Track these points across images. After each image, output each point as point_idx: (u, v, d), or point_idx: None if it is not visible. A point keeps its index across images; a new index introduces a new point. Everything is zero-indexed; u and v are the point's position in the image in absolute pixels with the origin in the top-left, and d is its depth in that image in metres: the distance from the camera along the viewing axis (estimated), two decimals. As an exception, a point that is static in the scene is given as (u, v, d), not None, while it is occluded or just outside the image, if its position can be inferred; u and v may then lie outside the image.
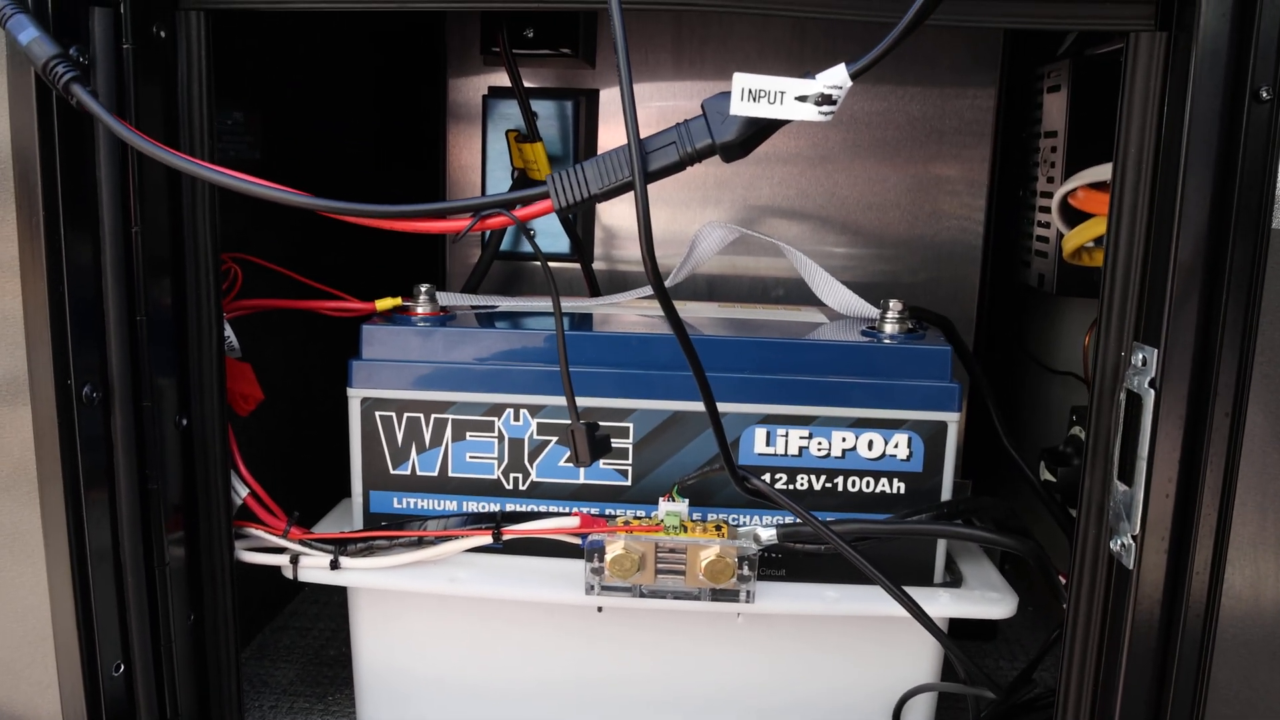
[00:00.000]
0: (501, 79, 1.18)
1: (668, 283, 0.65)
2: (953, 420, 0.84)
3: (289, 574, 0.85)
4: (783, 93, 0.59)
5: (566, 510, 0.85)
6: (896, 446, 0.84)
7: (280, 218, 0.96)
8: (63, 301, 0.69)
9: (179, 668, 0.79)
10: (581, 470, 0.86)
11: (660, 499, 0.81)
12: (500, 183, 1.21)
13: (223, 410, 0.80)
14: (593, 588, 0.80)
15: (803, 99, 0.59)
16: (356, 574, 0.85)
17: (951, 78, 1.18)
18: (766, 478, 0.84)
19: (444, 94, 1.26)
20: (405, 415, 0.86)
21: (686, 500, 0.81)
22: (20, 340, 0.69)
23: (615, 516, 0.85)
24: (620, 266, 1.27)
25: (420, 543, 0.85)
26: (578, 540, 0.83)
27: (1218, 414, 0.65)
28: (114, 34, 0.69)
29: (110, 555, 0.74)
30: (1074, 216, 0.88)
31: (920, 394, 0.83)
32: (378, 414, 0.86)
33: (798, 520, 0.79)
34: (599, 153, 0.72)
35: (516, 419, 0.85)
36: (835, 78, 0.59)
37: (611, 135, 1.23)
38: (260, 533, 0.85)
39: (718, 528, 0.81)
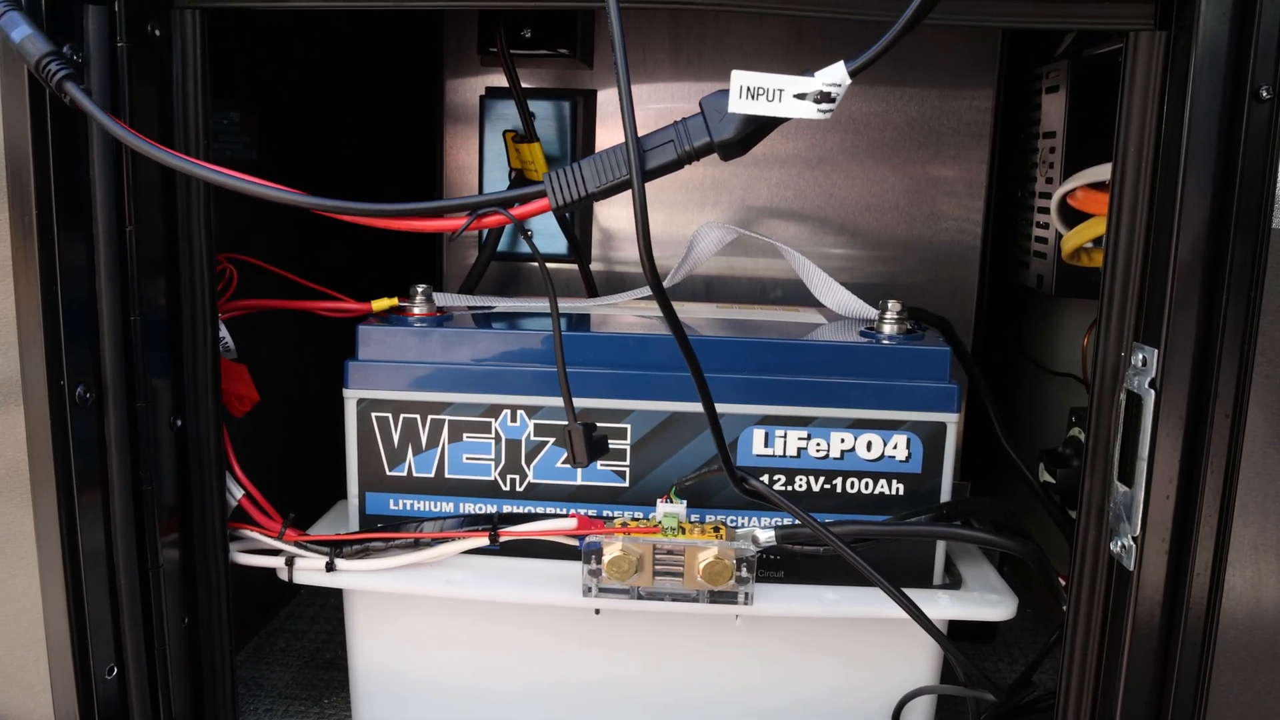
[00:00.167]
0: (499, 79, 1.18)
1: (665, 284, 0.65)
2: (952, 421, 0.83)
3: (284, 576, 0.85)
4: (781, 90, 0.58)
5: (564, 512, 0.85)
6: (895, 447, 0.84)
7: (276, 218, 0.95)
8: (56, 301, 0.69)
9: (173, 671, 0.79)
10: (579, 471, 0.85)
11: (658, 500, 0.81)
12: (498, 183, 1.20)
13: (218, 411, 0.80)
14: (590, 590, 0.80)
15: (801, 97, 0.59)
16: (352, 576, 0.85)
17: (950, 79, 1.18)
18: (765, 479, 0.83)
19: (441, 94, 1.26)
20: (401, 416, 0.85)
21: (684, 502, 0.81)
22: (13, 340, 0.69)
23: (613, 518, 0.85)
24: (618, 268, 1.26)
25: (417, 544, 0.84)
26: (575, 542, 0.82)
27: (1218, 414, 0.65)
28: (108, 32, 0.69)
29: (104, 557, 0.74)
30: (1073, 217, 0.88)
31: (919, 395, 0.83)
32: (374, 415, 0.85)
33: (796, 522, 0.79)
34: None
35: (514, 420, 0.85)
36: (834, 75, 0.59)
37: (609, 136, 1.23)
38: (255, 534, 0.85)
39: (716, 529, 0.81)
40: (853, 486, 0.84)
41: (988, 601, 0.84)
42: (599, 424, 0.76)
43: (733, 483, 0.76)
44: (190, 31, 0.73)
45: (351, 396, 0.86)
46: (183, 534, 0.79)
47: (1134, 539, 0.67)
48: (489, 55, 1.16)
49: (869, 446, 0.84)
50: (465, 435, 0.85)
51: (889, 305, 0.88)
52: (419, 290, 0.89)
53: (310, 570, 0.84)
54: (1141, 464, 0.67)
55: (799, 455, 0.84)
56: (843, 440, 0.84)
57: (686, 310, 1.02)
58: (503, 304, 1.00)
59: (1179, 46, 0.65)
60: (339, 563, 0.84)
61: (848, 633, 0.87)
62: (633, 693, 0.89)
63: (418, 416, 0.85)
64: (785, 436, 0.84)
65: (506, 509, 0.86)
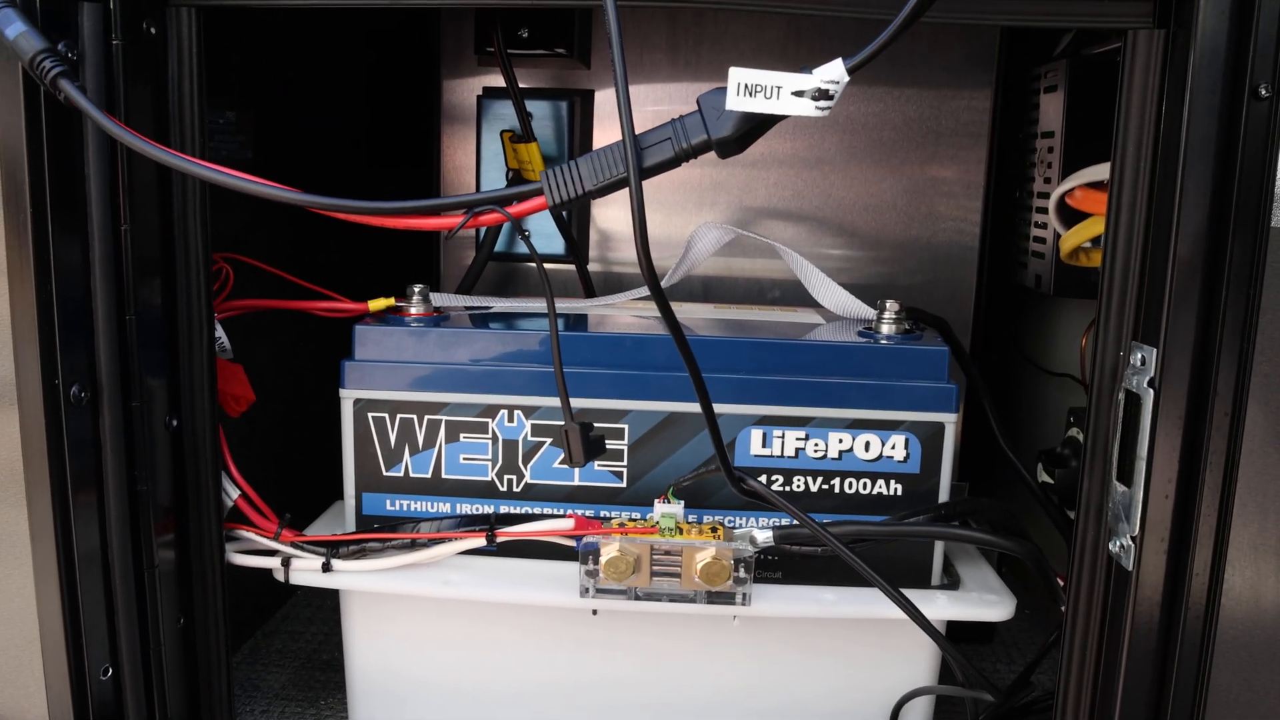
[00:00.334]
0: (496, 79, 1.17)
1: (663, 284, 0.65)
2: (950, 421, 0.83)
3: (280, 576, 0.84)
4: (779, 87, 0.58)
5: (561, 512, 0.84)
6: (893, 448, 0.83)
7: (272, 217, 0.95)
8: (51, 300, 0.68)
9: (168, 671, 0.78)
10: (576, 472, 0.85)
11: (656, 501, 0.81)
12: (495, 183, 1.20)
13: (213, 411, 0.79)
14: (587, 590, 0.80)
15: (799, 94, 0.58)
16: (349, 577, 0.84)
17: (947, 79, 1.18)
18: (763, 479, 0.83)
19: (438, 94, 1.26)
20: (398, 416, 0.85)
21: (682, 502, 0.81)
22: (7, 339, 0.68)
23: (610, 519, 0.84)
24: (615, 269, 1.26)
25: (413, 545, 0.84)
26: (572, 542, 0.82)
27: (1217, 413, 0.65)
28: (103, 29, 0.68)
29: (99, 557, 0.73)
30: (1071, 217, 0.88)
31: (917, 395, 0.83)
32: (370, 415, 0.85)
33: (794, 522, 0.78)
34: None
35: (510, 420, 0.85)
36: (832, 72, 0.58)
37: (607, 136, 1.22)
38: (251, 535, 0.84)
39: (714, 530, 0.80)
40: (851, 487, 0.84)
41: (986, 602, 0.84)
42: (596, 424, 0.75)
43: (730, 483, 0.76)
44: (186, 29, 0.73)
45: (348, 396, 0.85)
46: (178, 534, 0.79)
47: (1133, 539, 0.67)
48: (486, 55, 1.16)
49: (867, 447, 0.83)
50: (462, 435, 0.85)
51: (887, 305, 0.88)
52: (416, 290, 0.89)
53: (306, 571, 0.84)
54: (1140, 463, 0.66)
55: (797, 455, 0.84)
56: (841, 440, 0.84)
57: (684, 310, 1.02)
58: (500, 304, 0.99)
59: (1178, 45, 0.64)
60: (335, 563, 0.84)
61: (846, 633, 0.87)
62: (630, 694, 0.89)
63: (414, 417, 0.85)
64: (783, 437, 0.84)
65: (503, 509, 0.86)
